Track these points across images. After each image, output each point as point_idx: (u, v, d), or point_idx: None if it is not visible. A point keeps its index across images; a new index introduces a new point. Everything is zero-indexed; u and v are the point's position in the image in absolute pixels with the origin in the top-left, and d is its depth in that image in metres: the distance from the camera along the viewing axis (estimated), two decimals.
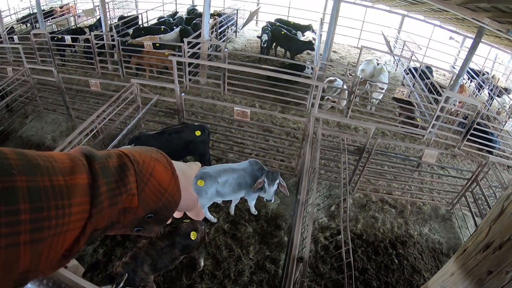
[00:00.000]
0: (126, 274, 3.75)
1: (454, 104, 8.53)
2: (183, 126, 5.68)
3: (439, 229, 5.81)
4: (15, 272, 0.37)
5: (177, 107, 6.21)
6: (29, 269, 0.39)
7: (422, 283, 4.85)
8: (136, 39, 10.49)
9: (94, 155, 0.48)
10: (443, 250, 5.45)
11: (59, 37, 11.09)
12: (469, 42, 9.31)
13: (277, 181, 4.84)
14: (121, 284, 3.57)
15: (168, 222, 0.64)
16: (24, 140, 7.63)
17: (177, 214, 0.71)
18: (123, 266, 3.79)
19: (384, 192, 6.37)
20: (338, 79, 8.44)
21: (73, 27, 14.77)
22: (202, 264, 4.83)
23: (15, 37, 12.03)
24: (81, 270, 2.39)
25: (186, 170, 0.68)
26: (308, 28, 13.24)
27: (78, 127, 5.25)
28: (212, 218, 5.46)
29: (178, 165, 0.65)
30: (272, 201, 5.01)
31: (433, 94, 8.75)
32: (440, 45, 14.39)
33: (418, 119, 8.25)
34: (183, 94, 6.05)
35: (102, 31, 10.50)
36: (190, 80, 9.44)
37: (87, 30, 12.72)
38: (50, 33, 11.17)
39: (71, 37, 10.90)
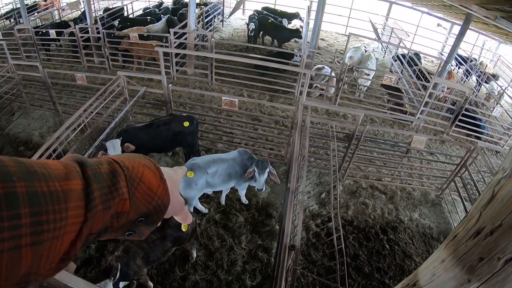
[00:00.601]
0: (119, 264, 3.76)
1: (442, 90, 8.59)
2: (171, 117, 5.63)
3: (429, 214, 5.90)
4: (17, 274, 0.39)
5: (165, 99, 6.15)
6: (30, 272, 0.41)
7: (413, 268, 4.94)
8: (123, 30, 10.31)
9: (86, 162, 0.50)
10: (434, 235, 5.55)
11: (44, 31, 10.84)
12: (457, 29, 9.34)
13: (267, 170, 4.85)
14: (117, 275, 3.58)
15: (158, 225, 0.65)
16: (11, 137, 7.50)
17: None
18: (116, 260, 3.79)
19: (374, 178, 6.43)
20: (326, 66, 8.42)
21: (58, 20, 14.42)
22: (195, 255, 4.84)
23: None
24: (72, 267, 2.38)
25: (172, 175, 0.70)
26: (295, 16, 13.13)
27: (66, 122, 5.17)
28: (203, 209, 5.46)
29: (164, 170, 0.67)
30: (263, 190, 5.02)
31: (421, 80, 8.78)
32: (428, 32, 14.40)
33: (406, 106, 8.29)
34: (170, 85, 5.99)
35: (87, 24, 10.28)
36: (177, 71, 9.34)
37: (71, 23, 12.46)
38: (34, 27, 10.90)
39: (56, 31, 10.66)
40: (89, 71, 9.99)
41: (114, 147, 5.15)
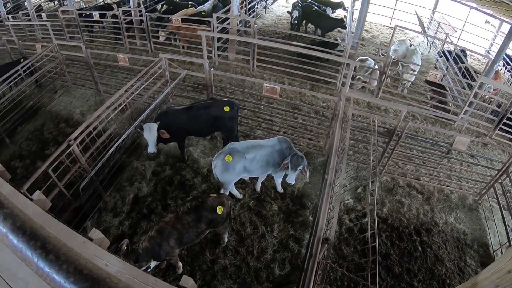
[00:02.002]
0: (150, 264, 3.80)
1: (488, 91, 8.09)
2: (211, 101, 5.64)
3: (465, 219, 5.63)
4: None
5: (206, 83, 6.17)
6: None
7: (444, 273, 4.76)
8: (177, 14, 10.38)
9: None
10: (468, 241, 5.29)
11: (87, 13, 11.16)
12: (506, 27, 8.74)
13: (300, 167, 4.81)
14: (143, 268, 3.61)
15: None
16: (53, 114, 7.81)
17: None
18: (149, 240, 3.84)
19: (412, 177, 6.19)
20: (369, 58, 8.15)
21: (101, 3, 14.84)
22: (226, 239, 4.87)
23: (43, 14, 12.19)
24: (106, 243, 2.46)
25: None
26: (339, 5, 12.77)
27: (107, 102, 5.30)
28: (238, 194, 5.47)
29: None
30: (293, 183, 4.97)
31: (467, 79, 8.32)
32: (475, 29, 13.61)
33: (450, 104, 7.91)
34: (212, 69, 6.00)
35: (130, 7, 10.47)
36: (219, 55, 9.36)
37: (115, 6, 12.74)
38: (78, 9, 11.26)
39: (99, 13, 10.96)
40: (131, 53, 10.18)
41: (150, 130, 5.25)
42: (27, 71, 7.46)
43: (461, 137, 5.27)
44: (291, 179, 4.88)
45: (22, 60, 7.88)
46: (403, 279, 4.70)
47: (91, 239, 2.26)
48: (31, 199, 2.31)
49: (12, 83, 7.21)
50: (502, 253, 4.99)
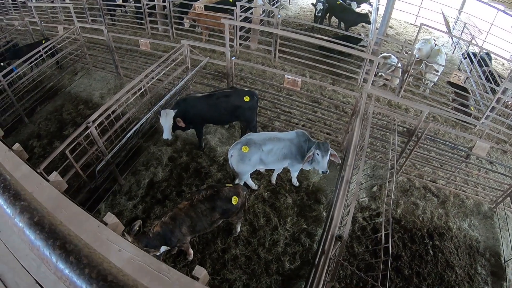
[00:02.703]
0: (158, 250, 3.81)
1: (511, 97, 7.87)
2: (232, 90, 5.62)
3: (479, 227, 5.53)
4: None
5: (227, 71, 6.14)
6: None
7: (453, 279, 4.71)
8: (200, 0, 10.34)
9: None
10: (480, 249, 5.20)
11: None
12: None
13: (330, 152, 4.73)
14: (152, 254, 3.64)
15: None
16: (72, 96, 7.92)
17: None
18: (162, 226, 3.86)
19: (429, 179, 6.09)
20: (392, 55, 7.99)
21: None
22: (239, 230, 4.88)
23: None
24: (120, 228, 2.49)
25: None
26: (364, 0, 12.56)
27: (126, 85, 5.33)
28: (253, 185, 5.46)
29: None
30: (328, 172, 4.90)
31: (491, 83, 8.08)
32: (502, 32, 13.22)
33: (472, 108, 7.71)
34: (233, 58, 5.96)
35: None
36: (240, 44, 9.31)
37: None
38: None
39: None
40: (153, 38, 10.20)
41: (166, 116, 5.26)
42: (48, 52, 7.56)
43: (482, 142, 5.14)
44: (324, 166, 4.79)
45: (43, 41, 7.98)
46: (412, 282, 4.66)
47: (105, 223, 2.27)
48: (48, 180, 2.32)
49: (33, 63, 7.32)
50: None
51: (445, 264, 4.91)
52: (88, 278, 0.74)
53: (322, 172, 4.87)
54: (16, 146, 2.63)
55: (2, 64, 7.63)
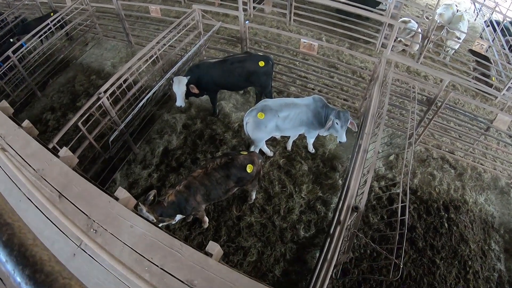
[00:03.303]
0: (173, 219, 3.80)
1: None
2: (246, 55, 5.47)
3: (495, 202, 5.43)
4: None
5: (240, 35, 5.97)
6: None
7: (467, 254, 4.67)
8: None
9: None
10: (495, 225, 5.13)
11: None
12: None
13: (349, 121, 4.65)
14: (165, 223, 3.63)
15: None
16: (84, 66, 7.85)
17: None
18: (176, 194, 3.84)
19: (447, 150, 5.95)
20: (412, 20, 7.67)
21: None
22: (254, 197, 4.87)
23: None
24: (132, 202, 2.46)
25: None
26: None
27: (138, 53, 5.21)
28: (269, 152, 5.40)
29: None
30: (345, 141, 4.85)
31: None
32: None
33: (493, 78, 7.43)
34: (247, 22, 5.77)
35: None
36: (254, 8, 9.04)
37: None
38: None
39: None
40: (163, 4, 9.91)
41: (179, 83, 5.18)
42: (57, 24, 7.42)
43: (503, 115, 4.94)
44: (342, 136, 4.76)
45: (52, 13, 7.84)
46: (426, 255, 4.65)
47: (117, 199, 2.22)
48: (58, 156, 2.26)
49: (42, 37, 7.22)
50: None
51: (459, 238, 4.86)
52: None
53: (340, 142, 4.82)
54: (26, 123, 2.58)
55: (11, 40, 7.56)
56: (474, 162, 5.86)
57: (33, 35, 6.90)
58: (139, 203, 3.40)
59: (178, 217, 4.06)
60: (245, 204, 4.90)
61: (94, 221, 2.00)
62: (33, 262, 0.63)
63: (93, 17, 8.19)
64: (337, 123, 4.63)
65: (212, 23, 6.04)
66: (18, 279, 0.63)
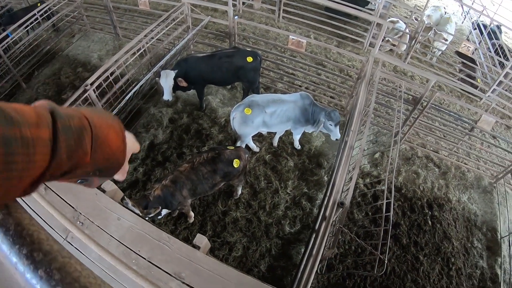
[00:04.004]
0: (160, 209, 3.79)
1: None
2: (234, 50, 5.45)
3: (478, 200, 5.53)
4: None
5: (229, 31, 5.93)
6: None
7: (449, 251, 4.76)
8: None
9: (58, 114, 0.55)
10: (477, 223, 5.23)
11: None
12: None
13: (339, 119, 4.75)
14: (151, 215, 3.60)
15: (109, 179, 0.75)
16: (70, 58, 7.70)
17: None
18: (162, 189, 3.81)
19: (431, 149, 6.04)
20: (400, 21, 7.75)
21: None
22: (239, 192, 4.87)
23: None
24: (119, 195, 2.43)
25: (129, 142, 0.75)
26: None
27: (125, 46, 5.14)
28: (255, 147, 5.40)
29: (127, 135, 0.73)
30: (340, 137, 4.94)
31: (500, 57, 7.89)
32: None
33: (478, 80, 7.56)
34: (236, 17, 5.74)
35: None
36: (243, 3, 9.01)
37: None
38: None
39: None
40: None
41: (167, 77, 5.13)
42: (44, 15, 7.26)
43: (487, 116, 5.04)
44: (337, 134, 4.86)
45: (39, 4, 7.65)
46: (409, 251, 4.72)
47: (103, 191, 2.19)
48: None
49: (29, 27, 7.06)
50: (509, 241, 4.99)
51: (443, 235, 4.95)
52: None
53: (337, 139, 4.90)
54: None
55: None
56: (458, 161, 5.95)
57: (19, 26, 6.74)
58: (125, 196, 3.36)
59: (164, 211, 4.02)
60: (230, 199, 4.89)
61: (80, 213, 1.98)
62: (30, 241, 0.61)
63: (81, 8, 8.03)
64: (330, 124, 4.71)
65: (201, 17, 6.00)
66: (15, 259, 0.61)
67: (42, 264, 0.60)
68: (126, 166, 0.79)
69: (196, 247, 2.15)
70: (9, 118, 0.46)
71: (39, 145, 0.49)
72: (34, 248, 0.61)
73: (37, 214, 1.85)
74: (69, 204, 1.99)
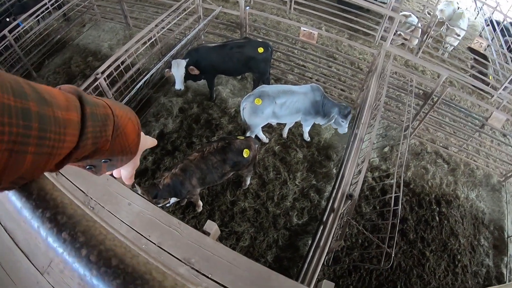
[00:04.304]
0: (169, 199, 3.81)
1: None
2: (245, 41, 5.44)
3: (486, 198, 5.49)
4: (15, 175, 0.47)
5: (240, 21, 5.91)
6: (23, 176, 0.49)
7: (456, 248, 4.75)
8: None
9: (86, 100, 0.57)
10: (485, 221, 5.20)
11: None
12: None
13: (351, 115, 4.79)
14: (160, 205, 3.63)
15: (115, 168, 0.77)
16: (81, 48, 7.73)
17: (115, 173, 0.84)
18: (172, 177, 3.83)
19: (441, 145, 5.99)
20: (413, 15, 7.67)
21: None
22: (248, 182, 4.88)
23: None
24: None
25: (143, 139, 0.78)
26: None
27: (136, 36, 5.13)
28: (264, 138, 5.41)
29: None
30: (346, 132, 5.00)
31: None
32: None
33: (490, 77, 7.47)
34: (247, 8, 5.72)
35: None
36: None
37: None
38: None
39: None
40: None
41: (178, 66, 5.14)
42: (55, 4, 7.28)
43: (498, 113, 4.97)
44: (345, 129, 4.94)
45: None
46: (416, 246, 4.71)
47: (114, 177, 2.21)
48: None
49: (39, 17, 7.08)
50: None
51: (450, 232, 4.93)
52: (86, 262, 0.57)
53: (344, 133, 4.99)
54: None
55: (8, 19, 7.43)
56: (468, 158, 5.91)
57: (30, 15, 6.77)
58: (135, 183, 3.40)
59: (173, 200, 4.06)
60: (239, 189, 4.91)
61: (91, 198, 1.99)
62: (54, 204, 0.61)
63: None
64: (342, 121, 4.78)
65: (212, 7, 5.97)
66: (36, 223, 0.61)
67: (66, 227, 0.58)
68: (137, 161, 0.84)
69: (206, 233, 2.16)
70: (43, 98, 0.47)
71: (69, 126, 0.51)
72: (58, 211, 0.60)
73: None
74: (80, 189, 2.00)
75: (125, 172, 0.85)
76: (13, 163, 0.43)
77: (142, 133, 0.79)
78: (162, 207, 3.98)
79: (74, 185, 2.00)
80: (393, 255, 2.97)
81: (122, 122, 0.66)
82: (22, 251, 0.84)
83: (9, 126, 0.41)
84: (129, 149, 0.71)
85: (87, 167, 0.70)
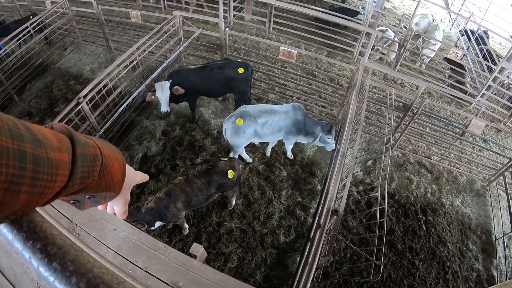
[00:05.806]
0: (146, 226, 3.78)
1: (508, 77, 7.81)
2: (226, 62, 5.49)
3: (471, 204, 5.58)
4: (8, 211, 0.49)
5: (220, 42, 5.98)
6: (15, 212, 0.51)
7: (445, 255, 4.79)
8: None
9: (77, 140, 0.60)
10: (471, 226, 5.27)
11: None
12: None
13: (334, 130, 4.83)
14: (143, 229, 3.59)
15: (99, 205, 0.80)
16: (62, 71, 7.70)
17: (103, 207, 0.86)
18: (156, 201, 3.81)
19: (423, 155, 6.10)
20: (389, 29, 7.87)
21: None
22: (234, 203, 4.87)
23: None
24: None
25: (131, 175, 0.83)
26: None
27: (118, 59, 5.14)
28: (248, 158, 5.42)
29: (128, 168, 0.80)
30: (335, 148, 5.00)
31: (488, 62, 8.03)
32: (500, 11, 13.03)
33: (468, 85, 7.68)
34: (227, 29, 5.80)
35: None
36: (234, 15, 9.05)
37: None
38: None
39: None
40: (144, 10, 9.84)
41: (163, 89, 5.16)
42: (36, 28, 7.27)
43: (477, 120, 5.11)
44: (332, 145, 4.94)
45: (31, 17, 7.67)
46: (405, 257, 4.73)
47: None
48: None
49: (21, 40, 7.06)
50: (504, 242, 5.01)
51: (438, 239, 4.98)
52: None
53: (333, 150, 4.97)
54: None
55: None
56: (450, 166, 6.02)
57: (12, 38, 6.75)
58: None
59: (158, 223, 4.01)
60: (225, 210, 4.89)
61: (76, 225, 1.97)
62: (44, 236, 0.64)
63: (73, 21, 8.05)
64: (328, 138, 4.80)
65: (193, 29, 6.04)
66: (28, 254, 0.64)
67: (56, 257, 0.62)
68: (128, 196, 0.87)
69: (193, 256, 2.15)
70: (37, 140, 0.50)
71: (61, 167, 0.54)
72: (48, 242, 0.64)
73: None
74: (65, 216, 1.99)
75: (118, 208, 0.87)
76: (8, 201, 0.46)
77: (132, 169, 0.83)
78: (148, 231, 3.94)
79: (59, 212, 1.98)
80: (382, 267, 2.98)
81: (109, 162, 0.68)
82: (8, 280, 0.88)
83: (6, 168, 0.43)
84: (113, 188, 0.73)
85: (71, 201, 0.73)
